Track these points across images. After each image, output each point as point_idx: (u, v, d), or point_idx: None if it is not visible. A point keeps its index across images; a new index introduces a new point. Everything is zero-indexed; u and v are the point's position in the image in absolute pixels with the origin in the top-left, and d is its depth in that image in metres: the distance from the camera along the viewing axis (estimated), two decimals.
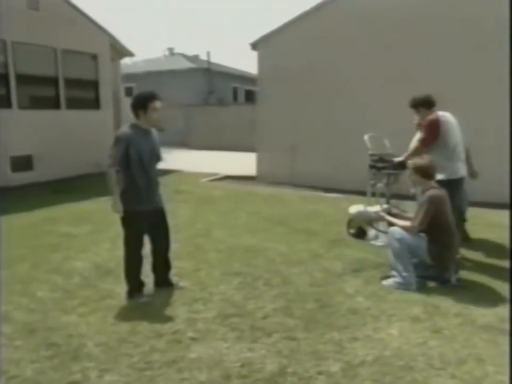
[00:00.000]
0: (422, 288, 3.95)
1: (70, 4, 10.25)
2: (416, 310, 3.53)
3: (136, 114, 3.60)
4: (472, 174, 5.32)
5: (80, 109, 10.62)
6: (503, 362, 2.80)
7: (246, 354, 2.91)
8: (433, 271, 4.10)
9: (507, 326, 3.25)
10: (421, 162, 4.18)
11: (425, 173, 4.10)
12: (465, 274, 4.29)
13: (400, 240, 4.00)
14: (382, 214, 4.62)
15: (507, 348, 2.91)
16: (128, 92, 17.02)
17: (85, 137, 10.38)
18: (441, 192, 4.05)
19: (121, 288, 3.84)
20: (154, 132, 3.77)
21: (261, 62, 9.95)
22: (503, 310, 3.54)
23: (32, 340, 3.06)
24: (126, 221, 3.63)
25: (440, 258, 3.97)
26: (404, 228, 4.05)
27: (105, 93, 11.24)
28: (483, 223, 5.88)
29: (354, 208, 5.39)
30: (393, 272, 4.07)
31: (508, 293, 3.76)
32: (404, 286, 3.93)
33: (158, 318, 3.38)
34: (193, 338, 3.10)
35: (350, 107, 8.91)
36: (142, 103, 3.56)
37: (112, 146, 3.55)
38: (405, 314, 3.45)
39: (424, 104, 4.71)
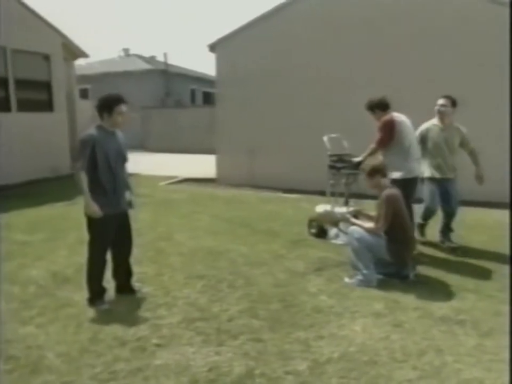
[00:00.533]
0: (382, 284, 4.06)
1: (20, 3, 9.81)
2: (377, 305, 3.63)
3: (101, 116, 3.57)
4: (478, 178, 5.10)
5: (33, 111, 10.17)
6: (461, 352, 2.94)
7: (213, 358, 2.89)
8: (393, 268, 4.23)
9: (462, 317, 3.41)
10: (377, 163, 4.30)
11: (383, 171, 4.23)
12: (422, 269, 4.46)
13: (359, 239, 4.09)
14: (348, 216, 4.71)
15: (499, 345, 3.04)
16: (83, 93, 16.55)
17: (38, 140, 9.96)
18: (396, 191, 4.19)
19: (80, 295, 3.73)
20: (119, 133, 3.73)
21: (219, 64, 9.93)
22: (458, 302, 3.71)
23: None
24: (92, 224, 3.56)
25: (399, 256, 4.10)
26: (369, 230, 4.13)
27: (58, 95, 10.84)
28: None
29: (322, 208, 5.45)
30: (355, 270, 4.17)
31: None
32: (365, 283, 4.03)
33: (120, 325, 3.30)
34: (158, 345, 3.04)
35: (308, 108, 9.05)
36: (107, 106, 3.52)
37: (79, 149, 3.50)
38: (367, 311, 3.54)
39: (379, 106, 4.85)
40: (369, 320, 3.39)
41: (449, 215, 5.22)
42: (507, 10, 7.32)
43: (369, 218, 4.47)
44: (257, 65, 9.39)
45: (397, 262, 4.16)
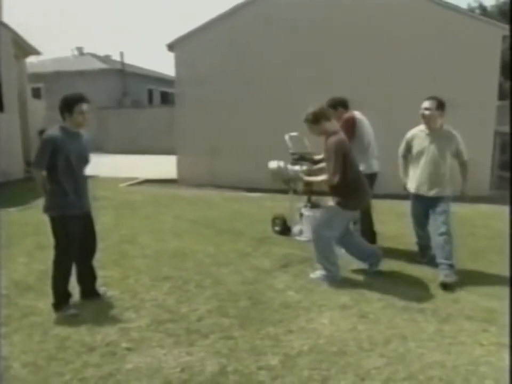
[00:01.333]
0: (347, 278, 4.20)
1: None
2: (343, 298, 3.75)
3: (62, 117, 3.50)
4: (464, 195, 4.46)
5: None
6: (423, 338, 3.09)
7: (184, 358, 2.89)
8: (362, 254, 4.39)
9: (423, 305, 3.59)
10: (317, 108, 4.10)
11: (326, 115, 4.10)
12: (384, 262, 4.61)
13: (323, 233, 4.12)
14: (301, 175, 4.70)
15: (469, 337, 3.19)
16: (36, 92, 15.93)
17: None
18: (342, 136, 4.09)
19: (44, 303, 3.63)
20: (84, 134, 3.66)
21: (178, 63, 9.85)
22: (418, 291, 3.90)
23: None
24: (56, 228, 3.49)
25: (360, 200, 4.17)
26: (325, 182, 4.05)
27: (9, 94, 10.30)
28: (394, 213, 6.38)
29: (275, 164, 5.17)
30: (320, 266, 4.26)
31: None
32: (330, 278, 4.13)
33: (88, 330, 3.24)
34: (128, 349, 3.01)
35: (269, 107, 9.14)
36: (68, 106, 3.44)
37: (38, 149, 3.43)
38: (334, 304, 3.65)
39: (342, 104, 4.95)
40: (336, 312, 3.50)
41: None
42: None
43: (322, 173, 4.34)
44: (217, 65, 9.40)
45: (360, 206, 4.27)
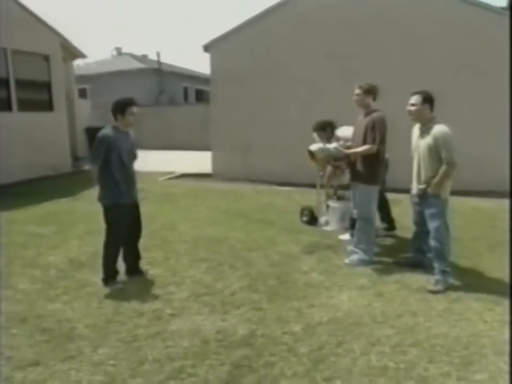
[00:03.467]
0: (367, 263, 4.54)
1: (19, 4, 10.08)
2: (362, 280, 4.13)
3: (115, 117, 4.00)
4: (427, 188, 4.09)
5: (33, 111, 10.47)
6: (432, 314, 3.44)
7: (219, 323, 3.36)
8: None
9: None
10: (373, 84, 4.52)
11: (376, 93, 4.52)
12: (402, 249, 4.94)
13: (367, 218, 4.50)
14: (341, 149, 4.93)
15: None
16: (82, 93, 16.87)
17: (38, 139, 10.28)
18: (384, 114, 4.47)
19: (97, 277, 4.15)
20: (131, 133, 4.17)
21: (213, 63, 10.33)
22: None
23: (26, 327, 3.33)
24: (109, 215, 4.01)
25: (382, 167, 4.61)
26: (366, 151, 4.37)
27: (58, 95, 11.13)
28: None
29: (315, 146, 5.36)
30: (355, 249, 4.60)
31: None
32: (365, 262, 4.49)
33: (137, 300, 3.75)
34: (172, 314, 3.51)
35: (299, 105, 9.49)
36: (120, 108, 3.94)
37: (94, 146, 3.94)
38: (353, 284, 4.03)
39: (330, 125, 5.25)
40: (354, 292, 3.88)
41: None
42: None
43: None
44: (250, 65, 9.83)
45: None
